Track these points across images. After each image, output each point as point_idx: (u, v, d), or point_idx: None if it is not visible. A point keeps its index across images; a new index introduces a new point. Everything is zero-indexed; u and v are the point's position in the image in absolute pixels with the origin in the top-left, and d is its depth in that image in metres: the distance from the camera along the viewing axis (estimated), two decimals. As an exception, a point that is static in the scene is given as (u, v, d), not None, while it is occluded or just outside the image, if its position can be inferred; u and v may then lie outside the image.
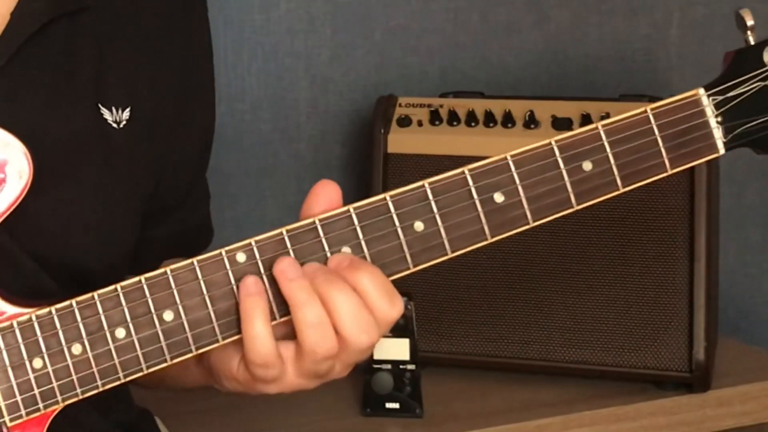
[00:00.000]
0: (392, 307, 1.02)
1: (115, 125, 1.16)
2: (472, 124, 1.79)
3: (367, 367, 1.69)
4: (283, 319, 1.01)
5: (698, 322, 1.71)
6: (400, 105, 1.83)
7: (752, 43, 1.06)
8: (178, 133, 1.23)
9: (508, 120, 1.78)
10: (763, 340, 2.17)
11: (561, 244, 1.76)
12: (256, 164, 2.03)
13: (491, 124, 1.79)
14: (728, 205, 2.18)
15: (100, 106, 1.15)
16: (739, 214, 2.25)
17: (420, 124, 1.81)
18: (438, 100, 1.83)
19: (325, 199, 1.03)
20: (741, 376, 1.79)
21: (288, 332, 1.02)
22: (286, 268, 1.00)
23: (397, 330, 1.68)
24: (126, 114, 1.17)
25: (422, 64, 2.09)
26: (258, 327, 1.00)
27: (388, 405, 1.70)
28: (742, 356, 1.88)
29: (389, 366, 1.69)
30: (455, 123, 1.80)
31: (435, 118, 1.80)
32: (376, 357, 1.68)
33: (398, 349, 1.69)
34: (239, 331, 1.02)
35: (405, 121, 1.81)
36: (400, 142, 1.80)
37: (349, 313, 1.00)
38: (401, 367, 1.69)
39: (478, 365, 1.79)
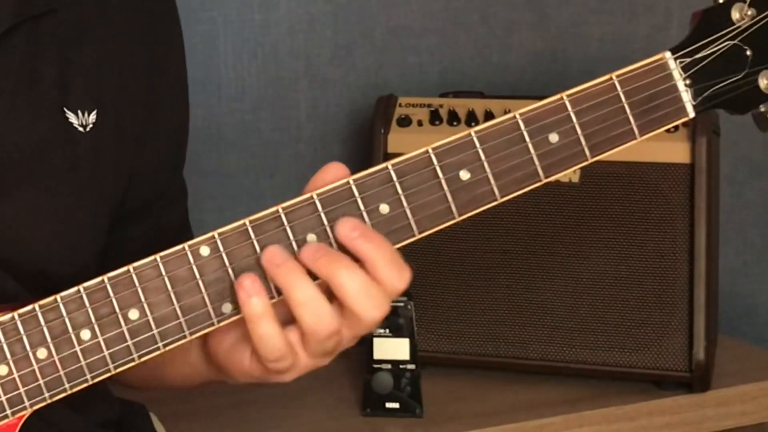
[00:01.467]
0: (401, 279, 1.00)
1: (81, 129, 1.14)
2: (472, 124, 1.79)
3: (367, 367, 1.69)
4: (279, 298, 1.00)
5: (698, 322, 1.71)
6: (400, 105, 1.83)
7: (720, 1, 1.03)
8: (149, 133, 1.21)
9: (508, 120, 1.78)
10: (763, 340, 2.17)
11: (561, 244, 1.76)
12: (256, 164, 2.03)
13: (491, 124, 1.79)
14: (728, 205, 2.18)
15: (65, 109, 1.14)
16: (739, 214, 2.25)
17: (420, 124, 1.81)
18: (438, 100, 1.83)
19: (332, 179, 1.01)
20: (741, 376, 1.79)
21: (289, 314, 1.01)
22: (273, 255, 0.99)
23: (397, 330, 1.68)
24: (92, 117, 1.15)
25: (422, 64, 2.09)
26: (264, 327, 0.99)
27: (388, 405, 1.69)
28: (742, 356, 1.88)
29: (389, 366, 1.69)
30: (455, 123, 1.79)
31: (435, 118, 1.80)
32: (376, 357, 1.68)
33: (398, 349, 1.69)
34: (207, 326, 1.01)
35: (405, 121, 1.81)
36: (400, 142, 1.80)
37: (358, 289, 0.98)
38: (401, 367, 1.69)
39: (478, 365, 1.79)
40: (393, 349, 1.69)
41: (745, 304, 2.27)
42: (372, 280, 0.99)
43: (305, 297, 0.98)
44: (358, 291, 0.98)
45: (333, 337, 1.00)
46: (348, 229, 0.99)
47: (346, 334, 1.01)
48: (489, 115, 1.79)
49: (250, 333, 1.00)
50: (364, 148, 1.98)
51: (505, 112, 1.77)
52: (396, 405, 1.69)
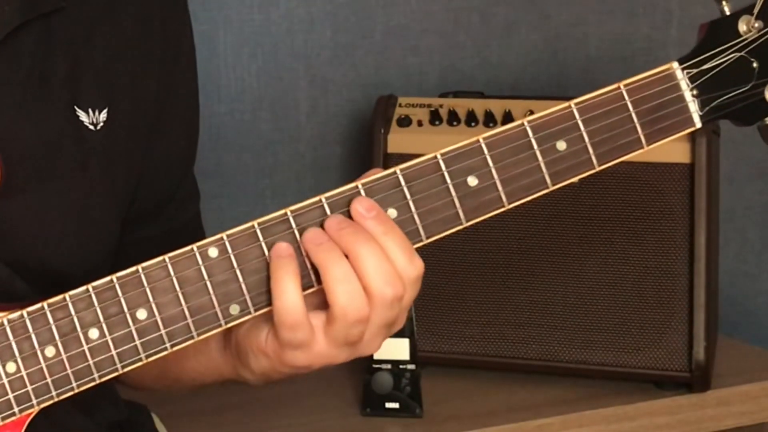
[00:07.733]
0: (411, 265, 1.00)
1: (91, 127, 1.14)
2: (472, 124, 1.79)
3: (367, 367, 1.69)
4: (313, 289, 1.01)
5: (698, 322, 1.71)
6: (400, 105, 1.83)
7: (727, 13, 1.05)
8: (160, 132, 1.21)
9: (508, 120, 1.78)
10: (763, 340, 2.16)
11: (561, 243, 1.76)
12: (256, 164, 2.03)
13: (491, 124, 1.79)
14: (728, 205, 2.18)
15: (75, 108, 1.14)
16: (739, 214, 2.25)
17: (420, 124, 1.81)
18: (438, 100, 1.83)
19: None
20: (741, 376, 1.79)
21: (319, 303, 1.02)
22: (313, 236, 1.00)
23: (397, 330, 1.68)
24: (103, 116, 1.15)
25: (422, 64, 2.09)
26: (286, 285, 0.99)
27: (388, 405, 1.70)
28: (742, 356, 1.88)
29: (389, 366, 1.69)
30: (455, 123, 1.80)
31: (435, 118, 1.80)
32: (376, 357, 1.68)
33: (398, 349, 1.69)
34: (215, 327, 1.01)
35: (405, 121, 1.81)
36: (400, 142, 1.80)
37: (374, 264, 0.99)
38: (401, 367, 1.69)
39: (478, 365, 1.79)
40: (393, 349, 1.69)
41: (744, 304, 2.27)
42: (387, 258, 0.99)
43: (341, 274, 0.99)
44: (373, 265, 0.99)
45: (359, 325, 1.01)
46: (364, 208, 1.01)
47: (369, 328, 1.01)
48: (489, 115, 1.79)
49: (272, 293, 1.00)
50: (363, 148, 1.98)
51: (505, 112, 1.79)
52: (396, 405, 1.69)
